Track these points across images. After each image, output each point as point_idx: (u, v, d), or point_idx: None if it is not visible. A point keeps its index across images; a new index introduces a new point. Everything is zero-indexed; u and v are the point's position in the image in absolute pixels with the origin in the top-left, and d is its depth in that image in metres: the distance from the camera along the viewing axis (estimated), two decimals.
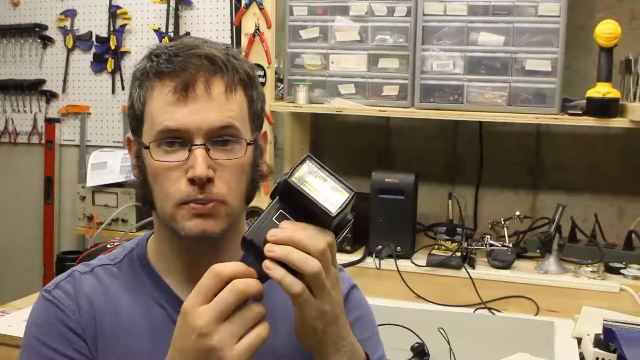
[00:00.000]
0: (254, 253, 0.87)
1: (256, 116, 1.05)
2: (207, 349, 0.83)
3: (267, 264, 0.84)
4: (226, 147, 0.99)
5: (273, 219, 0.87)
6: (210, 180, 0.97)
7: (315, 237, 0.86)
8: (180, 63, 0.98)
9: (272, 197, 0.90)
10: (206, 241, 1.01)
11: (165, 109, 0.98)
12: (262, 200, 2.50)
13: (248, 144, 1.01)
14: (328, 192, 0.86)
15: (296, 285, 0.84)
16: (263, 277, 0.86)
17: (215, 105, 0.98)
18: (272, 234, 0.85)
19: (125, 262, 1.10)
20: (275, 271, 0.84)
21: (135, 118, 1.03)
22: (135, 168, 1.05)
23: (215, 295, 0.84)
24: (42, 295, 1.07)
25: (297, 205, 0.87)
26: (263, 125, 1.09)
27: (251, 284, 0.85)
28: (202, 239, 1.00)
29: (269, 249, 0.84)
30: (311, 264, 0.84)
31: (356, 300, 1.14)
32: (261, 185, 1.08)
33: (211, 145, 0.98)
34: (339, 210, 0.86)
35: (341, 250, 2.42)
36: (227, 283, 0.84)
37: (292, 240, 0.84)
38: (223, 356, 0.83)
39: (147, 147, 1.00)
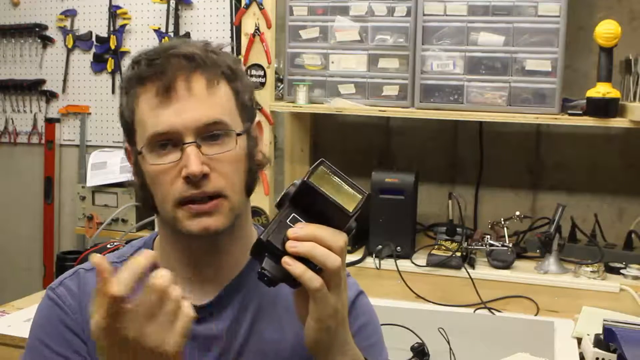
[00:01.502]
0: (268, 254, 0.88)
1: (244, 107, 1.05)
2: (151, 353, 0.81)
3: (286, 259, 0.85)
4: (217, 141, 1.00)
5: (287, 221, 0.89)
6: (205, 176, 0.98)
7: (335, 235, 0.87)
8: (159, 66, 0.99)
9: (279, 206, 0.91)
10: (209, 238, 1.01)
11: (151, 114, 0.99)
12: (263, 200, 2.51)
13: (237, 134, 1.01)
14: (343, 193, 0.89)
15: (316, 280, 0.85)
16: (277, 278, 0.87)
17: (198, 102, 0.98)
18: (293, 231, 0.86)
19: None
20: (296, 266, 0.85)
21: (126, 127, 1.04)
22: (135, 175, 1.06)
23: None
24: (47, 294, 1.08)
25: (310, 207, 0.89)
26: (256, 116, 1.09)
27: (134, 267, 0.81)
28: (206, 236, 1.00)
29: (292, 245, 0.86)
30: (334, 259, 0.86)
31: (363, 306, 1.15)
32: (260, 180, 1.08)
33: (202, 142, 0.98)
34: (356, 210, 0.88)
35: None
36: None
37: (314, 237, 0.86)
38: (164, 351, 0.81)
39: (141, 153, 1.00)
